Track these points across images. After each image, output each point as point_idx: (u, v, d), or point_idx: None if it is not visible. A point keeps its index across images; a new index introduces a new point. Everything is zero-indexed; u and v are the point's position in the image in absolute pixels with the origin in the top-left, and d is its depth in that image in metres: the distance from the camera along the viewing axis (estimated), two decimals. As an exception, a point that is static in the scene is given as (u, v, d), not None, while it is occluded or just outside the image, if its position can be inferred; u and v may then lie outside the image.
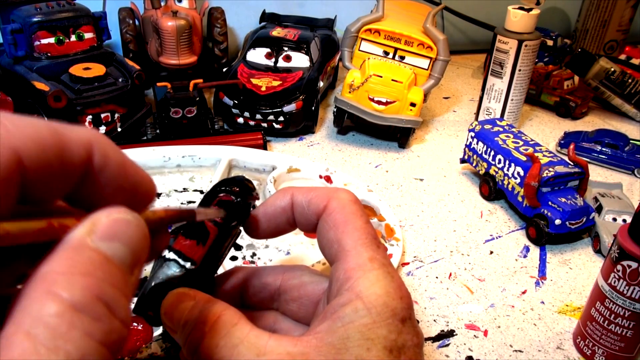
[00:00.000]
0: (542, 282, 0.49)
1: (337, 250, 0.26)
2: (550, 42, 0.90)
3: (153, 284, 0.27)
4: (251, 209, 0.30)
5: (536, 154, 0.55)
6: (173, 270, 0.27)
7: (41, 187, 0.18)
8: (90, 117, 0.60)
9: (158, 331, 0.37)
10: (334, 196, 0.28)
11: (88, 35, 0.64)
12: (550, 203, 0.52)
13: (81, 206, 0.20)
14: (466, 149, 0.63)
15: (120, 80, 0.63)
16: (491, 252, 0.52)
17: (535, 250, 0.53)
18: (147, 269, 0.46)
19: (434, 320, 0.44)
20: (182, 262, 0.27)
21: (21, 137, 0.17)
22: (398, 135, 0.70)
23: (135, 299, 0.29)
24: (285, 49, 0.73)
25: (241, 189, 0.29)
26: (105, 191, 0.21)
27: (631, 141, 0.69)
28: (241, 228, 0.30)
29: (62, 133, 0.18)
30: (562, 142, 0.71)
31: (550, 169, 0.53)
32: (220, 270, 0.32)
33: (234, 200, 0.28)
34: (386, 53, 0.70)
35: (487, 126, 0.62)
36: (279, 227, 0.30)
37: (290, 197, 0.29)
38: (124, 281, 0.18)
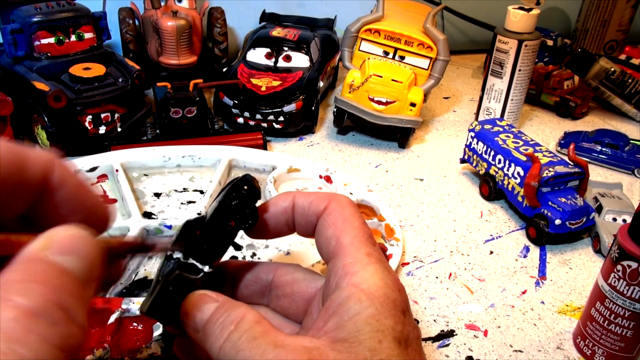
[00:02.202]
0: (542, 282, 0.49)
1: (335, 246, 0.27)
2: (550, 42, 0.90)
3: (171, 287, 0.27)
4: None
5: (536, 154, 0.55)
6: (190, 273, 0.28)
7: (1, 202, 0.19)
8: (90, 117, 0.60)
9: (158, 331, 0.37)
10: (334, 198, 0.29)
11: (88, 35, 0.64)
12: (550, 203, 0.52)
13: (37, 228, 0.20)
14: (466, 149, 0.63)
15: (120, 80, 0.63)
16: (491, 252, 0.52)
17: (535, 250, 0.53)
18: (154, 270, 0.46)
19: (434, 320, 0.44)
20: (200, 266, 0.28)
21: None
22: (398, 135, 0.70)
23: (138, 300, 0.29)
24: (285, 49, 0.73)
25: (249, 189, 0.29)
26: (61, 212, 0.22)
27: (631, 141, 0.69)
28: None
29: (22, 152, 0.20)
30: (562, 142, 0.71)
31: (550, 169, 0.53)
32: None
33: (247, 204, 0.29)
34: (386, 53, 0.70)
35: (487, 126, 0.62)
36: (277, 227, 0.30)
37: (292, 199, 0.30)
38: (80, 291, 0.18)
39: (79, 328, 0.17)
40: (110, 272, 0.23)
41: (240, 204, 0.29)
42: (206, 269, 0.28)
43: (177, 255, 0.28)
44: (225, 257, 0.47)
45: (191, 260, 0.28)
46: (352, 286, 0.24)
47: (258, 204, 0.31)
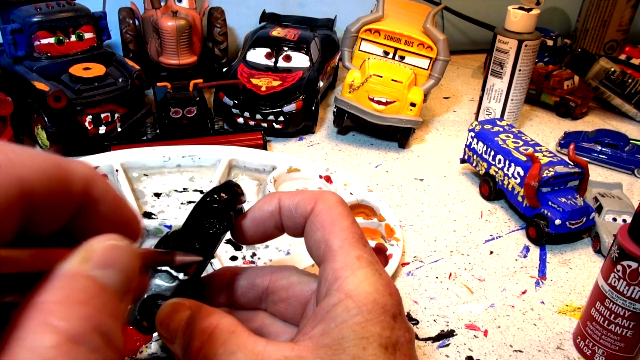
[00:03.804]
0: (542, 282, 0.49)
1: (324, 250, 0.26)
2: (550, 42, 0.90)
3: (146, 295, 0.27)
4: (232, 212, 0.30)
5: (536, 154, 0.55)
6: (165, 281, 0.27)
7: (44, 215, 0.19)
8: (90, 117, 0.60)
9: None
10: (321, 198, 0.28)
11: (88, 35, 0.64)
12: (550, 203, 0.52)
13: (71, 243, 0.20)
14: (466, 149, 0.63)
15: (120, 80, 0.63)
16: (491, 252, 0.52)
17: (535, 250, 0.53)
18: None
19: (434, 320, 0.44)
20: (174, 274, 0.27)
21: (29, 167, 0.18)
22: (398, 135, 0.70)
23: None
24: (285, 49, 0.73)
25: (229, 195, 0.29)
26: (99, 225, 0.21)
27: (631, 141, 0.69)
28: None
29: (64, 164, 0.19)
30: (562, 142, 0.71)
31: (550, 169, 0.53)
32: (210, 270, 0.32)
33: (219, 207, 0.28)
34: (386, 53, 0.70)
35: (487, 126, 0.62)
36: (266, 231, 0.30)
37: (277, 201, 0.29)
38: (118, 309, 0.18)
39: (115, 353, 0.17)
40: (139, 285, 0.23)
41: (213, 208, 0.28)
42: (181, 276, 0.27)
43: None
44: (225, 257, 0.47)
45: (165, 267, 0.27)
46: (342, 293, 0.24)
47: (246, 207, 0.30)
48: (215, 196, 0.29)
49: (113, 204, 0.22)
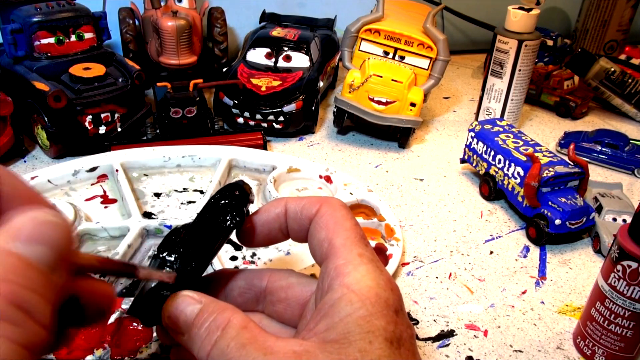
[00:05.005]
0: (542, 282, 0.49)
1: (327, 248, 0.27)
2: (550, 42, 0.90)
3: (153, 285, 0.27)
4: (245, 209, 0.30)
5: (536, 154, 0.55)
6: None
7: None
8: (90, 117, 0.60)
9: (158, 331, 0.37)
10: (325, 201, 0.29)
11: (88, 35, 0.64)
12: (550, 203, 0.52)
13: None
14: (466, 149, 0.63)
15: (120, 80, 0.63)
16: (491, 252, 0.52)
17: (535, 250, 0.53)
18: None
19: (434, 320, 0.44)
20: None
21: None
22: (398, 135, 0.70)
23: (126, 300, 0.29)
24: (285, 49, 0.73)
25: (241, 193, 0.30)
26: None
27: (631, 141, 0.69)
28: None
29: None
30: (562, 142, 0.71)
31: (550, 169, 0.53)
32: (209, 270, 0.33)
33: (234, 202, 0.29)
34: (386, 53, 0.70)
35: (487, 126, 0.62)
36: (271, 234, 0.30)
37: (284, 204, 0.30)
38: (45, 284, 0.18)
39: (42, 327, 0.17)
40: (99, 300, 0.23)
41: (225, 204, 0.29)
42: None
43: (163, 254, 0.28)
44: (225, 257, 0.47)
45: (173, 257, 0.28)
46: (344, 287, 0.24)
47: (252, 209, 0.31)
48: (230, 192, 0.29)
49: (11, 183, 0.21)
